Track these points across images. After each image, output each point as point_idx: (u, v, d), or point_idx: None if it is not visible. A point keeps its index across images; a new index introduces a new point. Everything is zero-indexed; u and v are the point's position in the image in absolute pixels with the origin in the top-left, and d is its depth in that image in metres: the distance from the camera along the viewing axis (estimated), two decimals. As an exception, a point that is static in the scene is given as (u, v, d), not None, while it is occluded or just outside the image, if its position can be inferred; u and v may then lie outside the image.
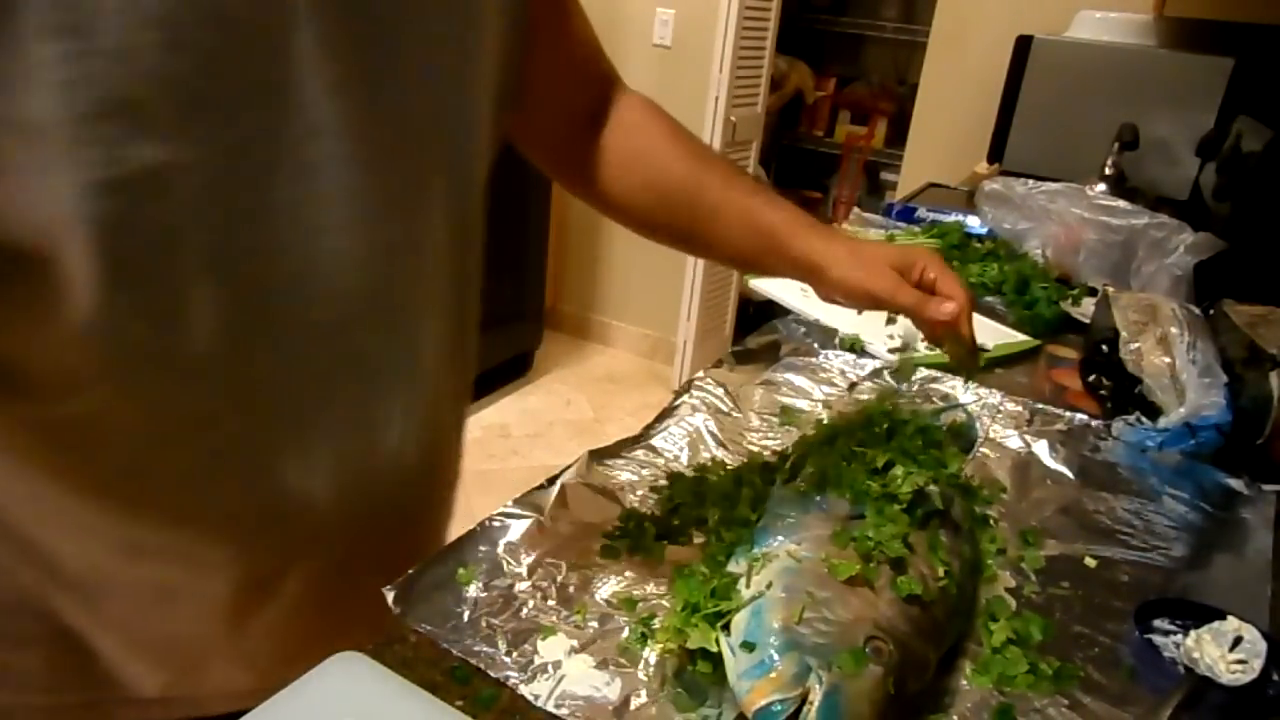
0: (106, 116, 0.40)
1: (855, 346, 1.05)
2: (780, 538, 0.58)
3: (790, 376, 0.95)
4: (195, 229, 0.45)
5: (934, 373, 0.98)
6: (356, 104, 0.49)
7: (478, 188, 0.63)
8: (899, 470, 0.63)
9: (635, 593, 0.61)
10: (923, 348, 1.08)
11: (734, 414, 0.87)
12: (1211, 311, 1.07)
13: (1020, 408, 0.93)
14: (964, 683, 0.56)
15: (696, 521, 0.67)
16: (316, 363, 0.55)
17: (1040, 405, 0.93)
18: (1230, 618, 0.60)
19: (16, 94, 0.38)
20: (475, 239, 0.65)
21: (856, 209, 1.63)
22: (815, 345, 1.04)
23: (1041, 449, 0.86)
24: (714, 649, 0.52)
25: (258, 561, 0.60)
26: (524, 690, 0.52)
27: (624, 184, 0.73)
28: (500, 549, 0.63)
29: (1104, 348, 1.00)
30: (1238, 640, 0.58)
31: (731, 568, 0.57)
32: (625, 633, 0.57)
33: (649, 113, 0.75)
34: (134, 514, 0.54)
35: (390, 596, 0.57)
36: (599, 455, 0.76)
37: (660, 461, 0.77)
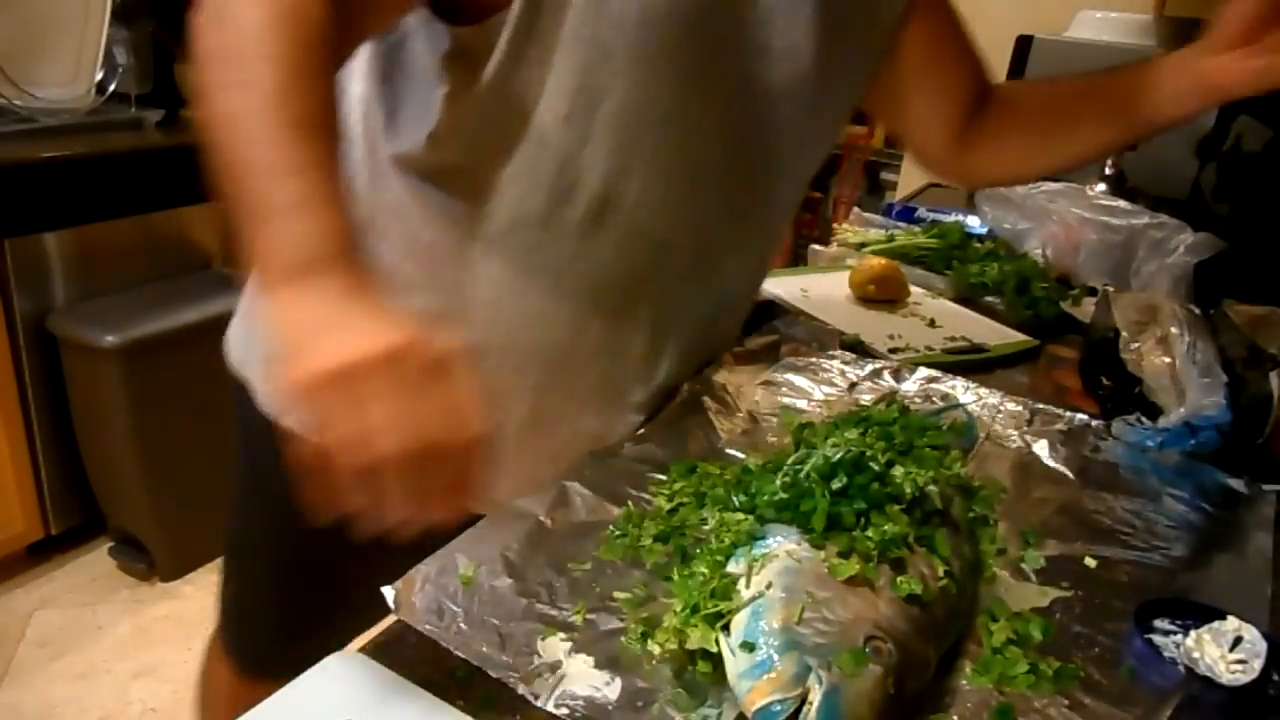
0: None
1: (855, 346, 1.05)
2: (780, 538, 0.58)
3: (790, 376, 0.95)
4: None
5: (934, 372, 0.98)
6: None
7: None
8: (899, 470, 0.63)
9: (635, 593, 0.61)
10: (923, 348, 1.09)
11: (734, 414, 0.87)
12: (1211, 311, 1.06)
13: (1020, 408, 0.92)
14: (964, 683, 0.56)
15: (697, 522, 0.67)
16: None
17: (1040, 405, 0.93)
18: (1230, 618, 0.60)
19: None
20: None
21: (856, 209, 1.63)
22: (815, 345, 1.04)
23: (1041, 449, 0.86)
24: (714, 649, 0.52)
25: (627, 383, 0.83)
26: (524, 690, 0.52)
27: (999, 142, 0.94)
28: (500, 549, 0.63)
29: (1104, 348, 1.00)
30: (1238, 640, 0.58)
31: (731, 568, 0.57)
32: (625, 633, 0.57)
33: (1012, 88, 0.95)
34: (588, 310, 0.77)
35: (390, 596, 0.57)
36: (599, 455, 0.76)
37: (660, 461, 0.77)
